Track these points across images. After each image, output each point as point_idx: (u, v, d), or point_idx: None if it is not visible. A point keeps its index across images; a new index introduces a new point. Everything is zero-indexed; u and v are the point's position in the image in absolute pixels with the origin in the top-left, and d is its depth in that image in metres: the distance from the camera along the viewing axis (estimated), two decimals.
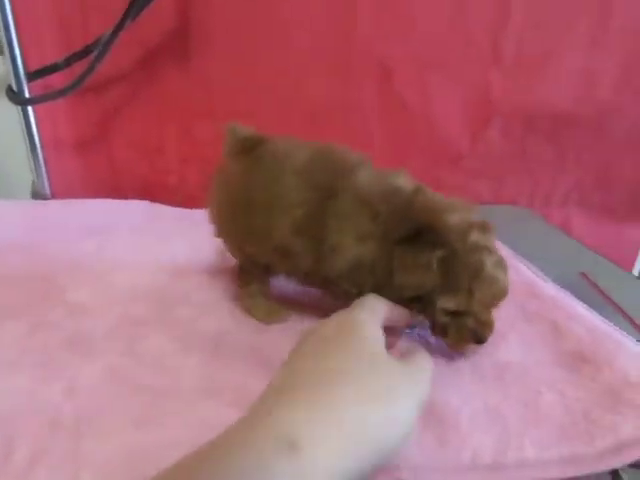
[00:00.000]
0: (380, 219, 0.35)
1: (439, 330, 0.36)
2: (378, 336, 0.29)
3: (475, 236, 0.34)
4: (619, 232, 0.81)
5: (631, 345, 0.37)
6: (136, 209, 0.68)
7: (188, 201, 0.69)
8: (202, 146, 0.73)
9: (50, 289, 0.46)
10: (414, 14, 0.67)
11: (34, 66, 0.65)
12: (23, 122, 0.66)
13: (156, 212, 0.68)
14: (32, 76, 0.64)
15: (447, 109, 0.72)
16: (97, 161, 0.73)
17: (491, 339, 0.38)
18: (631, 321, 0.44)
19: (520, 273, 0.50)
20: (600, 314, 0.42)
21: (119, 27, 0.57)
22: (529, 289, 0.46)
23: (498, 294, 0.35)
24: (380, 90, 0.71)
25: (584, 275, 0.52)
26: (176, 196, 0.73)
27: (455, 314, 0.35)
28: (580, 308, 0.43)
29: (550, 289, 0.47)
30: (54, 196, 0.71)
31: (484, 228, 0.35)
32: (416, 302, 0.35)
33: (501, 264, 0.35)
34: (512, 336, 0.39)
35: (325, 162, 0.38)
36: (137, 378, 0.34)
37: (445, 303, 0.34)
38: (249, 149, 0.41)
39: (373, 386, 0.25)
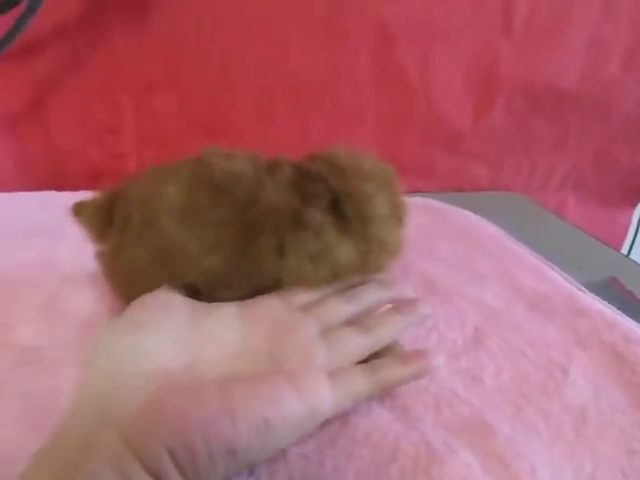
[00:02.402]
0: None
1: None
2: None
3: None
4: (609, 217, 0.79)
5: None
6: None
7: None
8: (164, 122, 0.61)
9: None
10: None
11: None
12: None
13: None
14: None
15: (449, 82, 0.65)
16: (34, 144, 0.58)
17: (554, 375, 0.33)
18: None
19: (555, 283, 0.44)
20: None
21: None
22: (572, 304, 0.41)
23: None
24: (376, 59, 0.62)
25: (614, 280, 0.48)
26: None
27: None
28: (632, 326, 0.38)
29: (592, 302, 0.41)
30: None
31: None
32: None
33: None
34: (574, 370, 0.34)
35: (210, 192, 0.29)
36: None
37: None
38: (108, 218, 0.32)
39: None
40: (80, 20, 0.53)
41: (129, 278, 0.31)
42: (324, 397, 0.24)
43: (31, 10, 0.45)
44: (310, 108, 0.63)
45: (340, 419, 0.28)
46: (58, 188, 0.56)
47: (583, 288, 0.43)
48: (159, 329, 0.25)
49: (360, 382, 0.26)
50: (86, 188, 0.57)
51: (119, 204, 0.32)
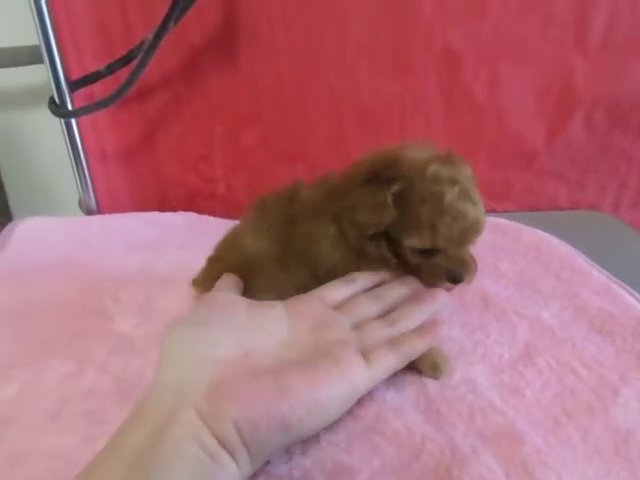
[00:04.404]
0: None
1: (413, 273, 0.35)
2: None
3: (434, 168, 0.32)
4: None
5: None
6: (183, 222, 0.64)
7: (236, 210, 0.65)
8: (249, 153, 0.68)
9: (97, 317, 0.43)
10: None
11: (75, 75, 0.62)
12: (67, 134, 0.63)
13: (204, 225, 0.64)
14: (73, 86, 0.61)
15: (520, 100, 0.64)
16: (143, 172, 0.70)
17: (602, 394, 0.32)
18: None
19: (625, 304, 0.42)
20: None
21: (162, 30, 0.53)
22: (638, 326, 0.39)
23: (467, 229, 0.33)
24: (444, 83, 0.64)
25: None
26: (223, 206, 0.69)
27: (426, 254, 0.34)
28: None
29: None
30: (100, 209, 0.69)
31: (447, 160, 0.34)
32: (383, 242, 0.34)
33: (468, 195, 0.33)
34: (627, 393, 0.32)
35: (271, 205, 0.38)
36: None
37: (410, 241, 0.33)
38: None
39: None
40: (181, 69, 0.63)
41: None
42: (361, 375, 0.28)
43: (142, 64, 0.56)
44: (380, 134, 0.67)
45: (373, 415, 0.30)
46: (160, 209, 0.66)
47: None
48: (222, 324, 0.30)
49: (389, 357, 0.30)
50: (182, 209, 0.67)
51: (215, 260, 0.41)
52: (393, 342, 0.31)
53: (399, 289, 0.35)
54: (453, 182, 0.32)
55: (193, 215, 0.66)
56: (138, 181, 0.71)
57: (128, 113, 0.65)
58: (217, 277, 0.38)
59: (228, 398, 0.25)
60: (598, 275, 0.48)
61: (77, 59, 0.62)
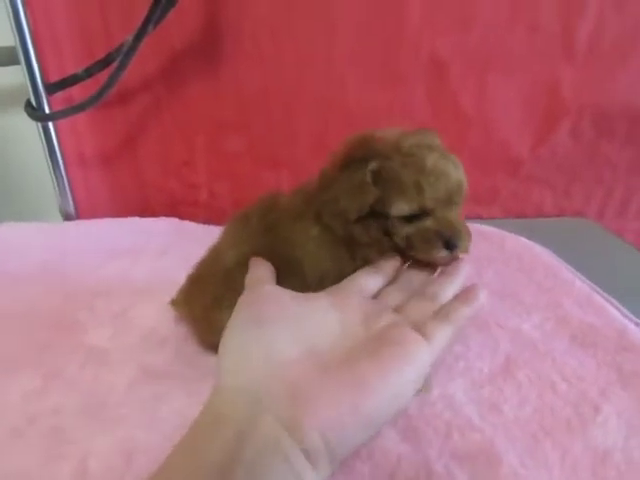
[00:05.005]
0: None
1: (407, 247, 0.34)
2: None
3: (410, 140, 0.33)
4: None
5: None
6: (164, 228, 0.63)
7: (219, 217, 0.64)
8: (233, 159, 0.67)
9: (70, 328, 0.42)
10: (471, 1, 0.59)
11: (53, 77, 0.61)
12: (44, 137, 0.62)
13: (185, 231, 0.63)
14: (51, 89, 0.60)
15: (507, 108, 0.64)
16: (123, 177, 0.69)
17: (582, 411, 0.32)
18: None
19: (607, 315, 0.42)
20: None
21: (141, 33, 0.52)
22: (621, 339, 0.38)
23: (451, 188, 0.32)
24: (431, 92, 0.63)
25: None
26: (206, 212, 0.68)
27: (415, 219, 0.33)
28: None
29: None
30: (79, 215, 0.68)
31: (420, 132, 0.34)
32: (371, 222, 0.33)
33: (447, 157, 0.33)
34: (607, 409, 0.32)
35: (251, 217, 0.38)
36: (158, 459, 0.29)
37: (397, 208, 0.32)
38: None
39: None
40: (161, 73, 0.62)
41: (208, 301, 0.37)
42: (425, 351, 0.28)
43: (122, 67, 0.54)
44: None
45: None
46: (142, 215, 0.65)
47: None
48: (277, 321, 0.28)
49: (443, 328, 0.29)
50: (164, 215, 0.66)
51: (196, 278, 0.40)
52: (440, 314, 0.30)
53: (419, 273, 0.34)
54: (431, 148, 0.32)
55: (174, 221, 0.65)
56: (118, 186, 0.69)
57: (108, 116, 0.64)
58: (198, 296, 0.38)
59: (310, 404, 0.23)
60: (581, 285, 0.47)
61: (55, 61, 0.61)
